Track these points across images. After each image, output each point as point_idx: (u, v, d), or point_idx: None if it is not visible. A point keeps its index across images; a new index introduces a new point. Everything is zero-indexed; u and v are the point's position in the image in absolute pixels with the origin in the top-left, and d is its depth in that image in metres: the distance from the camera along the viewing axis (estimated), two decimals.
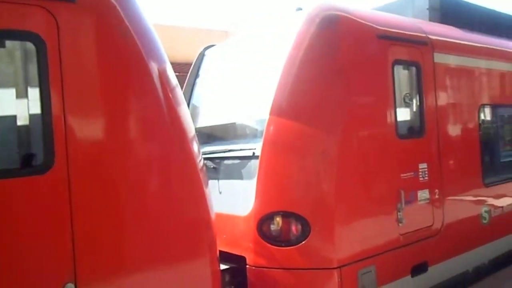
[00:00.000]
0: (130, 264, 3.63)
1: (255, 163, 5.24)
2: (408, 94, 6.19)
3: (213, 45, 7.18)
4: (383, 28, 5.91)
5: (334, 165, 5.24)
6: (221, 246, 4.63)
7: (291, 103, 5.27)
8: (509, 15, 9.90)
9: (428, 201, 6.09)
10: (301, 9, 5.94)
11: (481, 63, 7.40)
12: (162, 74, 3.90)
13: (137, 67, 3.75)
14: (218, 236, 4.21)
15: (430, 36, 6.53)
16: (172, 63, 4.24)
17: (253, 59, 6.15)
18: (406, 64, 6.16)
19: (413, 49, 6.19)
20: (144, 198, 3.71)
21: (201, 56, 7.12)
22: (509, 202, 7.69)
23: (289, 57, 5.38)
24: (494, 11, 9.40)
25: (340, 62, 5.47)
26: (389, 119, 5.77)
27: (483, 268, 7.13)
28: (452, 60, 6.83)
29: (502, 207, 7.51)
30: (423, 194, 6.05)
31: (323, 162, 5.22)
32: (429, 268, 6.04)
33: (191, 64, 7.10)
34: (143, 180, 3.73)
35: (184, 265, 3.91)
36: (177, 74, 4.27)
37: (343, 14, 5.65)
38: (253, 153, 5.35)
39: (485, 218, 7.08)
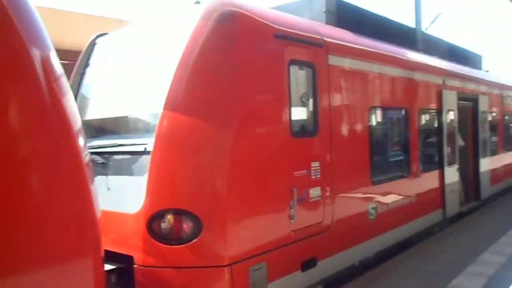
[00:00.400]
0: (3, 266, 3.34)
1: (146, 159, 5.08)
2: (303, 94, 6.32)
3: (105, 33, 6.86)
4: (280, 28, 5.98)
5: (227, 162, 5.21)
6: (108, 246, 4.42)
7: (185, 98, 5.16)
8: (399, 23, 10.52)
9: (319, 198, 6.27)
10: (199, 3, 5.84)
11: (373, 67, 7.75)
12: (45, 61, 3.62)
13: (14, 52, 3.44)
14: (105, 235, 4.00)
15: (326, 39, 6.72)
16: (59, 50, 3.96)
17: (148, 51, 5.97)
18: (302, 65, 6.28)
19: (308, 50, 6.32)
20: (22, 195, 3.43)
21: (92, 44, 6.78)
22: (394, 199, 8.16)
23: (185, 51, 5.28)
24: (387, 18, 9.94)
25: (236, 58, 5.46)
26: (284, 117, 5.86)
27: (368, 261, 7.50)
28: (346, 63, 7.08)
29: (387, 203, 7.94)
30: (315, 192, 6.22)
31: (216, 159, 5.18)
32: (318, 263, 6.23)
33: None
34: (20, 175, 3.44)
35: (64, 266, 3.66)
36: (65, 62, 4.00)
37: (241, 11, 5.64)
38: (145, 148, 5.18)
39: (372, 214, 7.45)
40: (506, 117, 15.73)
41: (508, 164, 15.35)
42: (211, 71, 5.31)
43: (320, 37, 6.64)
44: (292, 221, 5.78)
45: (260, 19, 5.81)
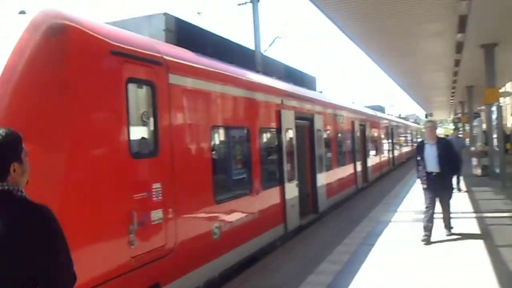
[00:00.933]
0: None
1: None
2: (143, 113, 6.11)
3: None
4: (117, 44, 5.72)
5: (60, 186, 4.79)
6: None
7: (9, 116, 4.62)
8: (239, 45, 10.84)
9: (161, 221, 6.06)
10: (24, 13, 5.32)
11: (214, 87, 7.81)
12: None
13: None
14: None
15: (165, 57, 6.60)
16: None
17: None
18: (141, 83, 6.08)
19: (147, 68, 6.14)
20: None
21: None
22: (238, 217, 8.25)
23: (8, 65, 4.75)
24: (227, 39, 10.16)
25: (67, 75, 5.07)
26: (122, 138, 5.59)
27: (214, 281, 7.45)
28: (187, 82, 7.03)
29: (231, 222, 8.00)
30: (157, 214, 6.00)
31: (47, 182, 4.71)
32: None
33: None
34: None
35: None
36: None
37: (73, 24, 5.27)
38: None
39: (216, 234, 7.42)
40: (339, 135, 17.10)
41: (342, 179, 16.66)
42: (39, 89, 4.87)
43: (159, 55, 6.50)
44: (132, 246, 5.48)
45: (94, 34, 5.49)
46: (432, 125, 9.75)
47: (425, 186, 9.20)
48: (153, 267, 5.83)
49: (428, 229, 9.07)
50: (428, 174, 9.12)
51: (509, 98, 51.14)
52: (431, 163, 9.12)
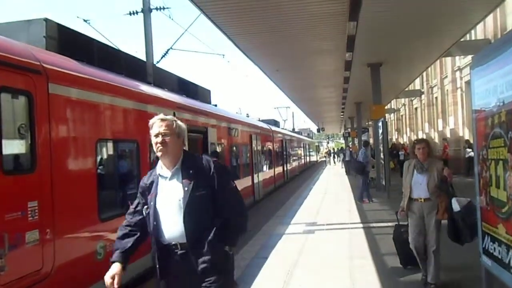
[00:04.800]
0: None
1: None
2: (17, 126, 5.62)
3: None
4: None
5: None
6: None
7: None
8: (129, 55, 10.47)
9: (38, 242, 5.58)
10: None
11: (100, 98, 7.39)
12: None
13: None
14: None
15: (45, 65, 6.14)
16: None
17: None
18: (16, 93, 5.60)
19: (24, 77, 5.68)
20: None
21: None
22: None
23: None
24: (115, 48, 9.78)
25: None
26: None
27: None
28: (70, 93, 6.59)
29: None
30: (32, 235, 5.51)
31: None
32: None
33: None
34: None
35: None
36: None
37: None
38: None
39: (100, 254, 6.98)
40: (234, 148, 17.16)
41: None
42: None
43: (38, 63, 6.03)
44: (1, 273, 4.96)
45: None
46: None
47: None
48: None
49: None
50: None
51: (394, 114, 55.12)
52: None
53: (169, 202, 3.51)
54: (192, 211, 3.41)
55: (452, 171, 6.85)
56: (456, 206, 6.23)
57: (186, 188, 3.45)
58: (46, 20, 7.39)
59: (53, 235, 5.85)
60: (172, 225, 3.48)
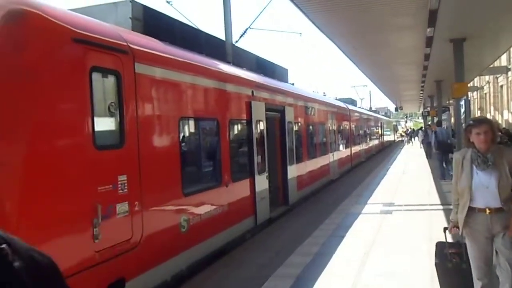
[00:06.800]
0: None
1: None
2: (108, 104, 5.93)
3: None
4: (80, 32, 5.51)
5: (18, 180, 4.62)
6: None
7: None
8: (209, 35, 10.66)
9: (127, 214, 5.91)
10: None
11: (183, 77, 7.64)
12: None
13: None
14: None
15: (132, 46, 6.40)
16: None
17: None
18: (105, 72, 5.89)
19: (112, 57, 5.96)
20: None
21: None
22: (206, 210, 8.13)
23: None
24: (196, 29, 9.98)
25: (27, 63, 4.87)
26: (86, 128, 5.41)
27: (181, 274, 7.32)
28: (154, 72, 6.85)
29: (200, 214, 7.87)
30: (122, 207, 5.84)
31: (4, 176, 4.54)
32: (127, 284, 5.84)
33: None
34: None
35: None
36: None
37: (32, 10, 5.05)
38: None
39: (184, 227, 7.29)
40: (310, 127, 17.11)
41: (312, 171, 16.69)
42: None
43: (125, 43, 6.30)
44: (96, 241, 5.32)
45: (55, 21, 5.26)
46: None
47: None
48: (118, 262, 5.68)
49: None
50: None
51: (477, 92, 52.42)
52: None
53: None
54: None
55: None
56: None
57: None
58: (132, 1, 7.68)
59: (141, 208, 6.17)
60: None
